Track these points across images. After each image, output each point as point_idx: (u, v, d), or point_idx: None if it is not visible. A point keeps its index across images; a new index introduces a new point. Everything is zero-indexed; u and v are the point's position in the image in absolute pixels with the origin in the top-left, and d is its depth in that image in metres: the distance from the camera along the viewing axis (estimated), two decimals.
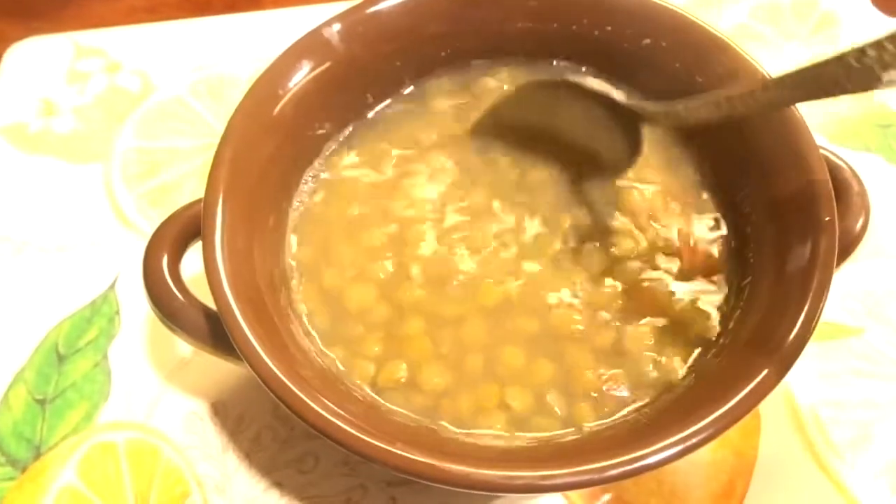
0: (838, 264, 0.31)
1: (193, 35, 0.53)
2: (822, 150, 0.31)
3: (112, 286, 0.42)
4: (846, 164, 0.33)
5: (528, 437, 0.29)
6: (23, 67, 0.52)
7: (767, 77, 0.31)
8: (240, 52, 0.52)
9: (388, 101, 0.38)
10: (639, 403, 0.30)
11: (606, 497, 0.36)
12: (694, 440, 0.24)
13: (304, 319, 0.33)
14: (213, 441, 0.38)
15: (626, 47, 0.36)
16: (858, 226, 0.32)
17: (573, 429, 0.29)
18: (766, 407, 0.38)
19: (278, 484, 0.36)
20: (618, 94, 0.32)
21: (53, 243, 0.44)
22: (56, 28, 0.54)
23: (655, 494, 0.36)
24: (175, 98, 0.51)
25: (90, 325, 0.41)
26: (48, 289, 0.42)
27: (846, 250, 0.31)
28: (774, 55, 0.51)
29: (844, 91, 0.24)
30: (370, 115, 0.38)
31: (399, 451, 0.25)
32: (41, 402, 0.39)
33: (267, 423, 0.38)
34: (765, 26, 0.53)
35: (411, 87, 0.38)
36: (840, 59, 0.23)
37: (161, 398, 0.39)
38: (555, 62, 0.38)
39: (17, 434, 0.38)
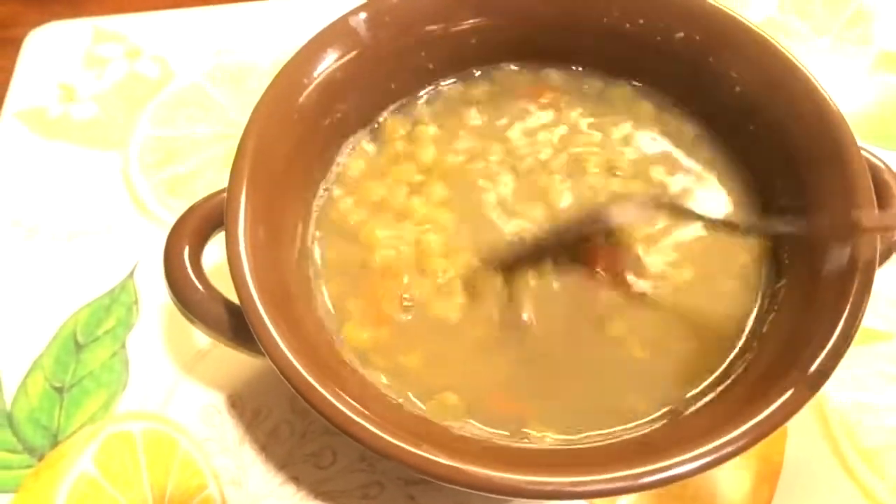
0: (881, 265, 0.30)
1: (214, 22, 0.53)
2: (862, 150, 0.30)
3: (130, 275, 0.42)
4: (885, 164, 0.32)
5: (555, 440, 0.28)
6: (43, 52, 0.51)
7: (816, 86, 0.31)
8: (260, 40, 0.51)
9: (414, 92, 0.37)
10: (672, 408, 0.29)
11: (626, 501, 0.35)
12: (728, 450, 0.24)
13: (329, 311, 0.32)
14: (229, 434, 0.37)
15: (658, 42, 0.35)
16: None
17: (605, 432, 0.29)
18: None
19: (295, 478, 0.36)
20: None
21: (72, 231, 0.44)
22: (76, 12, 0.54)
23: (679, 499, 0.35)
24: (193, 85, 0.50)
25: (108, 313, 0.41)
26: (66, 277, 0.42)
27: (887, 253, 0.30)
28: (805, 49, 0.50)
29: None
30: (395, 105, 0.37)
31: (421, 452, 0.24)
32: (59, 390, 0.39)
33: (285, 417, 0.38)
34: (795, 19, 0.52)
35: (440, 79, 0.37)
36: None
37: (178, 389, 0.39)
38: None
39: (35, 421, 0.38)
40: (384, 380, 0.30)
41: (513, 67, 0.38)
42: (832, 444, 0.36)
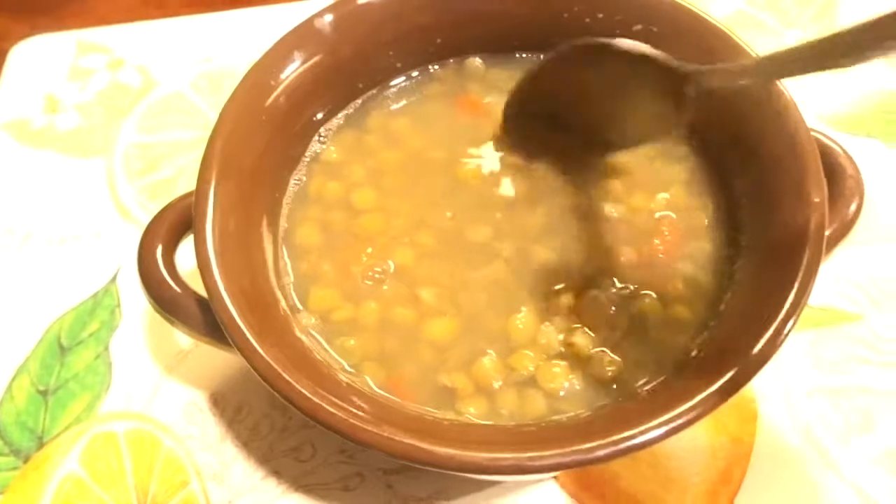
0: (833, 247, 0.31)
1: (195, 31, 0.54)
2: (813, 133, 0.31)
3: (114, 279, 0.43)
4: (839, 146, 0.33)
5: (516, 420, 0.29)
6: (27, 65, 0.52)
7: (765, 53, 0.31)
8: (242, 47, 0.52)
9: (377, 90, 0.38)
10: (634, 385, 0.30)
11: (603, 485, 0.36)
12: (681, 420, 0.24)
13: (297, 303, 0.33)
14: (211, 431, 0.38)
15: (616, 35, 0.36)
16: (852, 209, 0.31)
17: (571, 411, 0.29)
18: (762, 393, 0.38)
19: (276, 472, 0.37)
20: (658, 53, 0.31)
21: (56, 237, 0.45)
22: (59, 25, 0.55)
23: (651, 481, 0.36)
24: (176, 93, 0.51)
25: (92, 317, 0.42)
26: (51, 281, 0.43)
27: (840, 233, 0.31)
28: (773, 43, 0.51)
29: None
30: (360, 102, 0.38)
31: (386, 434, 0.25)
32: (44, 393, 0.40)
33: (265, 413, 0.38)
34: (763, 13, 0.53)
35: (403, 77, 0.38)
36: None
37: (161, 389, 0.39)
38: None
39: (21, 424, 0.39)
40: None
41: (477, 63, 0.39)
42: (802, 424, 0.37)
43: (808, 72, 0.25)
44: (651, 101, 0.32)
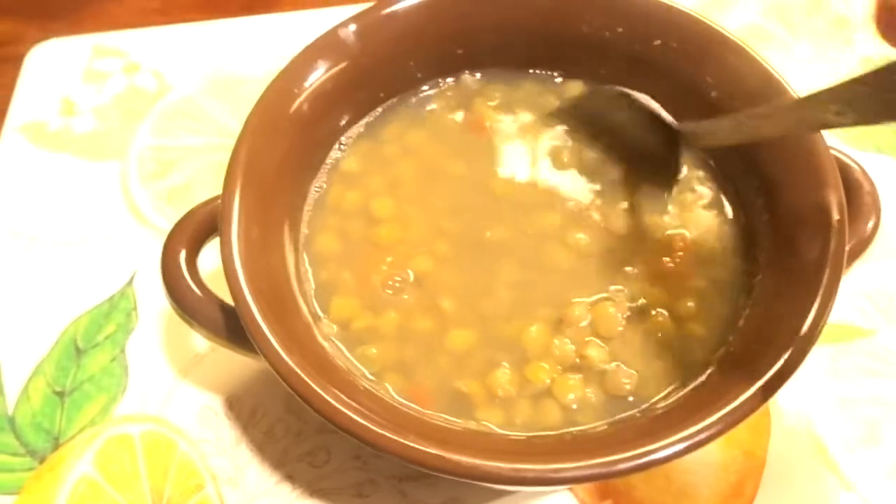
0: (850, 264, 0.31)
1: (209, 36, 0.54)
2: (832, 150, 0.31)
3: (130, 282, 0.43)
4: (857, 164, 0.33)
5: (538, 432, 0.29)
6: (44, 68, 0.53)
7: (793, 95, 0.32)
8: (255, 54, 0.53)
9: (397, 99, 0.39)
10: (652, 400, 0.30)
11: (617, 496, 0.36)
12: (702, 436, 0.25)
13: (319, 311, 0.33)
14: (226, 434, 0.38)
15: (636, 49, 0.36)
16: (870, 226, 0.32)
17: (587, 424, 0.29)
18: (776, 407, 0.38)
19: (290, 477, 0.37)
20: (662, 111, 0.34)
21: (72, 239, 0.45)
22: (73, 29, 0.55)
23: (665, 493, 0.36)
24: (189, 97, 0.52)
25: (108, 320, 0.42)
26: (68, 285, 0.43)
27: (858, 250, 0.31)
28: (786, 56, 0.51)
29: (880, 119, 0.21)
30: (381, 110, 0.39)
31: (411, 444, 0.25)
32: (60, 395, 0.40)
33: (280, 417, 0.38)
34: (776, 26, 0.53)
35: (425, 87, 0.39)
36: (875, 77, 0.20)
37: (176, 392, 0.40)
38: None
39: (36, 425, 0.39)
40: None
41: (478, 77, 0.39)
42: (814, 438, 0.37)
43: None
44: (658, 147, 0.35)
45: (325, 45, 0.34)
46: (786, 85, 0.33)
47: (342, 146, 0.38)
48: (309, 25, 0.36)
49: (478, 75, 0.39)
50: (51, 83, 0.52)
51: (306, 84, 0.34)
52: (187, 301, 0.31)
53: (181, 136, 0.50)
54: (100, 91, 0.52)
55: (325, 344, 0.31)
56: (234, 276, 0.28)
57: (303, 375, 0.27)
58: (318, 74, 0.34)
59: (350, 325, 0.33)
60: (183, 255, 0.32)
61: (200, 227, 0.32)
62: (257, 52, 0.53)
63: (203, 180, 0.47)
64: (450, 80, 0.39)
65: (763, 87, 0.33)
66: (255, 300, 0.28)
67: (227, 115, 0.51)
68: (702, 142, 0.33)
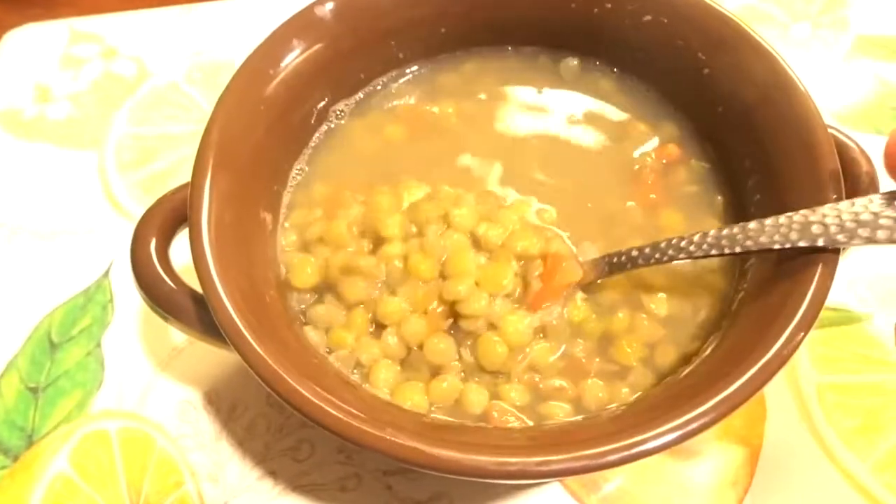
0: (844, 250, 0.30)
1: (190, 21, 0.52)
2: (830, 129, 0.30)
3: (106, 274, 0.42)
4: (855, 143, 0.32)
5: (523, 423, 0.28)
6: (19, 53, 0.51)
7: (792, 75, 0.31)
8: (235, 38, 0.51)
9: (381, 80, 0.37)
10: (640, 391, 0.29)
11: (609, 487, 0.35)
12: (694, 425, 0.24)
13: (297, 300, 0.32)
14: (206, 430, 0.37)
15: (626, 24, 0.35)
16: None
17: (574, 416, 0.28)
18: (771, 395, 0.37)
19: (272, 472, 0.36)
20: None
21: (47, 230, 0.44)
22: (51, 14, 0.53)
23: (661, 481, 0.35)
24: (170, 84, 0.50)
25: (83, 312, 0.41)
26: (42, 276, 0.42)
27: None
28: (781, 35, 0.50)
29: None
30: (362, 93, 0.37)
31: (388, 437, 0.24)
32: (34, 391, 0.38)
33: (261, 412, 0.37)
34: (772, 6, 0.52)
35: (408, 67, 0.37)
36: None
37: (154, 387, 0.38)
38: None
39: (10, 422, 0.38)
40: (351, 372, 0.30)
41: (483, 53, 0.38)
42: (811, 425, 0.36)
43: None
44: None
45: (301, 25, 0.33)
46: (777, 56, 0.31)
47: (321, 129, 0.36)
48: (291, 9, 0.34)
49: (462, 54, 0.38)
50: (26, 69, 0.51)
51: (282, 65, 0.33)
52: (158, 292, 0.30)
53: (162, 124, 0.48)
54: (76, 77, 0.50)
55: (302, 335, 0.30)
56: (203, 264, 0.27)
57: (278, 370, 0.26)
58: (294, 55, 0.33)
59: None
60: (153, 243, 0.30)
61: (172, 214, 0.31)
62: (239, 36, 0.51)
63: (183, 169, 0.46)
64: (433, 59, 0.38)
65: (754, 61, 0.32)
66: (226, 291, 0.27)
67: (209, 102, 0.49)
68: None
